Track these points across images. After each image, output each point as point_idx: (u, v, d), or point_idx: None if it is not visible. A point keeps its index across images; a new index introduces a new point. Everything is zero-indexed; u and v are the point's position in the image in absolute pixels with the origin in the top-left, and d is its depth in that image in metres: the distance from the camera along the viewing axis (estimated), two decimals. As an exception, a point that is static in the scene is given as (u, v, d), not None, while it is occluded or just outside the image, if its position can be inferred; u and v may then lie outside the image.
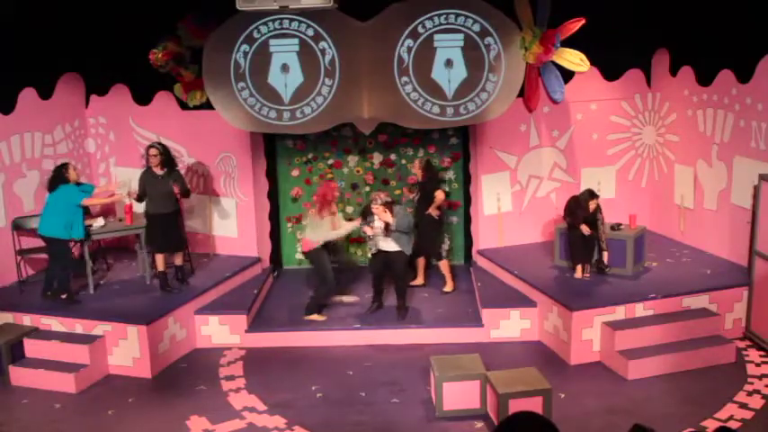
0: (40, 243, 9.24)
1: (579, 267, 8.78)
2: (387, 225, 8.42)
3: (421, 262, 9.63)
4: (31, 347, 8.08)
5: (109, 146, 10.30)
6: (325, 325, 8.68)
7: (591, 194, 8.82)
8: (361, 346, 8.44)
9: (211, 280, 9.17)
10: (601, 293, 8.32)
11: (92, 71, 9.97)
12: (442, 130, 10.01)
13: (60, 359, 7.87)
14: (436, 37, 8.72)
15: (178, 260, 9.07)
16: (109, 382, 7.94)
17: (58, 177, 8.47)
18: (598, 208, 8.80)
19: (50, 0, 9.11)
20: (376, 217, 8.49)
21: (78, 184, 8.66)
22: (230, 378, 7.90)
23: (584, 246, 8.75)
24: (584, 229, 8.67)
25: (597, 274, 8.70)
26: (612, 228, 8.89)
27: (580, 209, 8.76)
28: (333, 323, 8.71)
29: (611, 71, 9.88)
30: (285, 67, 8.87)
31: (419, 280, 9.65)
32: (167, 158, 8.88)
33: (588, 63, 9.06)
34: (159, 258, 8.84)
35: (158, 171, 8.78)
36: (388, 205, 8.52)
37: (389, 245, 8.53)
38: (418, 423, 6.91)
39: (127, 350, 7.97)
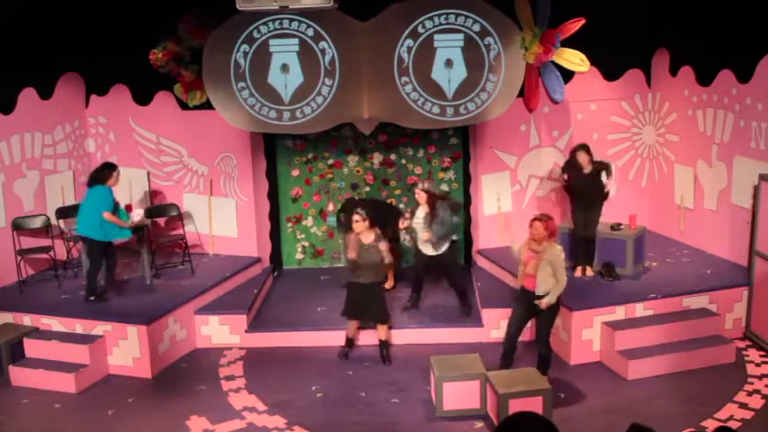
0: (39, 243, 9.27)
1: (580, 269, 8.78)
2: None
3: None
4: (31, 347, 8.08)
5: (109, 146, 10.29)
6: (325, 325, 8.68)
7: (581, 147, 8.72)
8: (362, 346, 8.43)
9: (211, 280, 9.16)
10: (601, 293, 8.32)
11: (92, 71, 9.97)
12: (442, 130, 10.01)
13: (60, 359, 7.87)
14: (436, 37, 8.72)
15: (382, 334, 8.18)
16: (109, 382, 7.94)
17: (98, 177, 8.37)
18: (603, 168, 8.64)
19: (51, 0, 9.12)
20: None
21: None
22: (230, 378, 7.90)
23: (584, 247, 8.75)
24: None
25: (603, 279, 8.67)
26: (612, 228, 8.88)
27: (573, 168, 8.74)
28: (333, 323, 8.70)
29: (611, 71, 9.88)
30: (285, 67, 8.87)
31: (389, 283, 9.46)
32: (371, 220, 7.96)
33: (588, 63, 9.09)
34: (352, 324, 8.22)
35: (365, 239, 7.81)
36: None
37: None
38: (418, 423, 6.91)
39: (127, 350, 7.97)
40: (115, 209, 8.44)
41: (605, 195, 8.70)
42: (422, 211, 8.52)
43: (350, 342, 8.29)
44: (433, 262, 8.64)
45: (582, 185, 8.72)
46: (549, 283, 6.91)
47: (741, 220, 8.63)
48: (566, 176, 8.96)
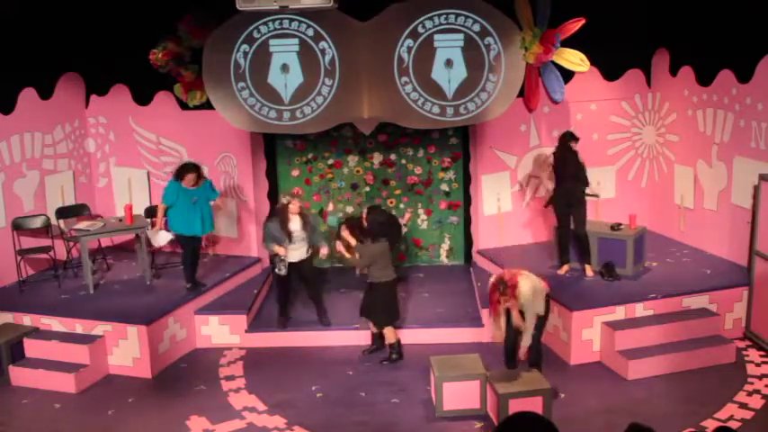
0: (39, 243, 9.27)
1: (566, 267, 8.83)
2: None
3: None
4: (31, 347, 8.08)
5: (109, 146, 10.30)
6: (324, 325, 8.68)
7: (572, 136, 8.74)
8: (361, 346, 8.41)
9: (211, 280, 9.16)
10: (601, 293, 8.32)
11: (92, 71, 9.97)
12: (442, 130, 10.01)
13: (60, 359, 7.87)
14: (436, 37, 8.72)
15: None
16: (109, 382, 7.95)
17: (174, 173, 8.66)
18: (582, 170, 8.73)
19: (51, 0, 9.12)
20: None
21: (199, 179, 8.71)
22: (230, 378, 7.90)
23: (574, 245, 8.77)
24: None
25: (603, 279, 8.66)
26: (612, 228, 8.88)
27: (570, 163, 8.63)
28: (333, 323, 8.68)
29: (611, 71, 9.88)
30: (285, 67, 8.88)
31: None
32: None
33: (588, 63, 9.09)
34: (391, 331, 8.10)
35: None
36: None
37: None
38: (418, 423, 6.91)
39: (127, 350, 7.97)
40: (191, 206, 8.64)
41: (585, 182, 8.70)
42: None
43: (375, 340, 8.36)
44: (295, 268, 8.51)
45: (563, 169, 8.71)
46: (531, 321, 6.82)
47: (741, 220, 8.63)
48: (551, 161, 8.97)
